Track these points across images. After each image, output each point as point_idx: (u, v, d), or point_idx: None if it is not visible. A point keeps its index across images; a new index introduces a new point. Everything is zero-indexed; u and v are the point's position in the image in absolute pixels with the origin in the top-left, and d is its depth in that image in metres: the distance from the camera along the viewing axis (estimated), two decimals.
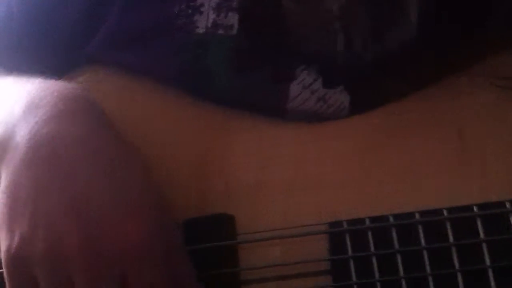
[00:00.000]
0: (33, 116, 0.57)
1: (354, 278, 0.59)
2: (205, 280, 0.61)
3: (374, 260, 0.59)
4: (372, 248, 0.60)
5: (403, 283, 0.58)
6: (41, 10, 0.70)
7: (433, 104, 0.63)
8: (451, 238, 0.59)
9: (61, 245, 0.53)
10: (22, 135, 0.56)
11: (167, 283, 0.55)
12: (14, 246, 0.54)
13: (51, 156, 0.55)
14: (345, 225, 0.61)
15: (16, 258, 0.54)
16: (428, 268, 0.58)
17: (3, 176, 0.57)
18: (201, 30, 0.65)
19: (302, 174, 0.63)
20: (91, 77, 0.68)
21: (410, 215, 0.60)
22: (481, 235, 0.58)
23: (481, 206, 0.59)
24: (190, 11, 0.66)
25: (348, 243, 0.60)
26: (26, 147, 0.56)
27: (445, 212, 0.59)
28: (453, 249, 0.59)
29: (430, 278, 0.58)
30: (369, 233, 0.60)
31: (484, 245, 0.58)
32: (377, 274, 0.59)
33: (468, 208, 0.59)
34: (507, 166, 0.60)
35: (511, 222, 0.58)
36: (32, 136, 0.56)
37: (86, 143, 0.56)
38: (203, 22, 0.65)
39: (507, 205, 0.58)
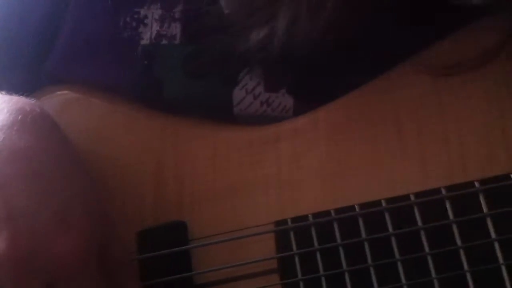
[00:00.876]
0: None
1: (299, 275, 0.60)
2: (161, 287, 0.63)
3: (318, 255, 0.60)
4: (316, 244, 0.61)
5: (346, 275, 0.59)
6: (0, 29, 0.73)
7: (371, 99, 0.64)
8: (390, 228, 0.59)
9: None
10: None
11: None
12: None
13: None
14: (289, 223, 0.62)
15: None
16: (369, 258, 0.59)
17: None
18: (146, 42, 0.68)
19: (252, 176, 0.65)
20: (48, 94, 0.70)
21: (351, 208, 0.61)
22: (419, 223, 0.59)
23: (418, 194, 0.59)
24: (134, 23, 0.68)
25: (293, 240, 0.61)
26: None
27: (383, 203, 0.60)
28: (393, 239, 0.59)
29: (371, 269, 0.59)
30: (313, 229, 0.61)
31: (422, 232, 0.59)
32: (321, 269, 0.60)
33: (406, 197, 0.60)
34: (447, 151, 0.61)
35: (481, 201, 0.58)
36: None
37: (32, 155, 0.58)
38: (147, 34, 0.68)
39: (476, 184, 0.59)
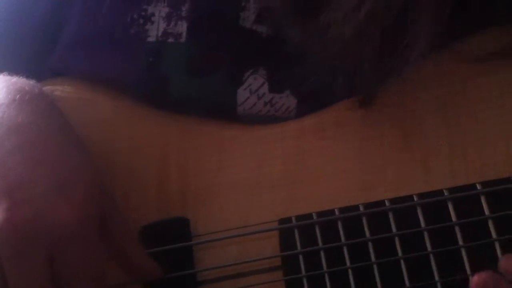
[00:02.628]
0: None
1: (303, 272, 0.61)
2: (163, 283, 0.63)
3: (322, 253, 0.61)
4: (320, 242, 0.62)
5: (350, 273, 0.60)
6: (5, 21, 0.72)
7: (376, 100, 0.65)
8: (393, 228, 0.61)
9: None
10: None
11: (95, 265, 0.57)
12: None
13: None
14: (293, 221, 0.63)
15: None
16: (372, 257, 0.60)
17: None
18: (152, 39, 0.68)
19: (257, 174, 0.65)
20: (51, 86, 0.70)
21: (355, 208, 0.62)
22: (422, 224, 0.60)
23: (422, 195, 0.61)
24: (141, 20, 0.68)
25: (297, 238, 0.62)
26: None
27: (387, 203, 0.61)
28: (396, 239, 0.61)
29: (375, 267, 0.60)
30: (317, 227, 0.62)
31: (426, 233, 0.60)
32: (325, 267, 0.61)
33: (410, 198, 0.61)
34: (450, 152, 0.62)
35: (482, 203, 0.60)
36: None
37: (29, 129, 0.59)
38: (154, 31, 0.68)
39: (478, 187, 0.60)
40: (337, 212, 0.62)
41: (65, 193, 0.57)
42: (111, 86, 0.69)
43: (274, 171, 0.65)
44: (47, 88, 0.69)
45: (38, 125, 0.60)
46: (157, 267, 0.63)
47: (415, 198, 0.61)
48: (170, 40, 0.67)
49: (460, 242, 0.59)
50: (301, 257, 0.62)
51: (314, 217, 0.63)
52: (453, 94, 0.64)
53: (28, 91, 0.62)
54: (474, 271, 0.58)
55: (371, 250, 0.61)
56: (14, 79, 0.64)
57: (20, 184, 0.57)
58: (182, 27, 0.67)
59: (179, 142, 0.67)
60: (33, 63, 0.70)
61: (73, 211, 0.57)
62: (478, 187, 0.60)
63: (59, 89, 0.70)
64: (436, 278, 0.59)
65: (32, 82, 0.64)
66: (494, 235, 0.59)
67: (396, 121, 0.64)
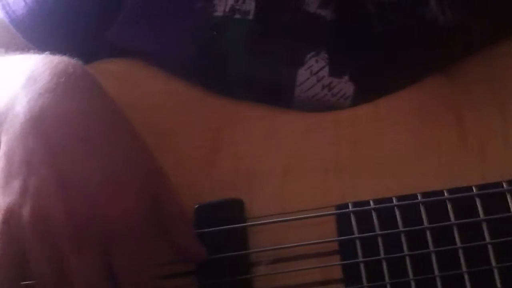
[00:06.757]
0: (32, 89, 0.59)
1: (360, 257, 0.62)
2: (217, 263, 0.63)
3: (379, 240, 0.62)
4: (377, 229, 0.62)
5: (408, 261, 0.61)
6: None
7: (432, 91, 0.66)
8: (452, 217, 0.62)
9: (47, 215, 0.55)
10: (20, 106, 0.59)
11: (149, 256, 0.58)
12: (3, 211, 0.57)
13: (45, 129, 0.57)
14: (350, 207, 0.63)
15: (4, 223, 0.56)
16: (431, 246, 0.61)
17: (3, 143, 0.59)
18: (219, 14, 0.68)
19: (310, 159, 0.66)
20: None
21: (413, 196, 0.63)
22: (481, 214, 0.61)
23: (481, 187, 0.62)
24: None
25: (354, 224, 0.63)
26: (23, 118, 0.58)
27: (445, 193, 0.62)
28: (454, 228, 0.61)
29: (433, 256, 0.61)
30: (374, 214, 0.63)
31: (484, 224, 0.61)
32: (382, 253, 0.62)
33: (468, 188, 0.62)
34: (506, 148, 0.64)
35: (509, 201, 0.61)
36: (29, 107, 0.58)
37: (77, 117, 0.59)
38: (221, 7, 0.68)
39: (505, 185, 0.61)
40: (395, 200, 0.63)
41: (118, 186, 0.57)
42: (165, 65, 0.69)
43: (327, 158, 0.66)
44: (99, 66, 0.69)
45: (86, 113, 0.59)
46: (203, 250, 0.63)
47: (474, 190, 0.62)
48: (237, 16, 0.68)
49: None
50: (358, 243, 0.62)
51: (371, 204, 0.63)
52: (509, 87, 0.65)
53: (72, 73, 0.61)
54: None
55: (429, 238, 0.61)
56: (56, 59, 0.63)
57: (74, 180, 0.56)
58: (251, 5, 0.68)
59: (231, 125, 0.68)
60: (90, 40, 0.70)
61: (127, 204, 0.57)
62: None
63: (110, 69, 0.70)
64: (493, 264, 0.60)
65: (74, 61, 0.63)
66: None
67: (452, 112, 0.65)
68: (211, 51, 0.68)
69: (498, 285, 0.59)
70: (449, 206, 0.62)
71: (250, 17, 0.67)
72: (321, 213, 0.64)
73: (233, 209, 0.65)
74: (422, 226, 0.62)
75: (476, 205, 0.62)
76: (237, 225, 0.64)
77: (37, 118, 0.58)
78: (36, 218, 0.56)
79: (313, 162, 0.66)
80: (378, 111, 0.67)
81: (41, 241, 0.55)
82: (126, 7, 0.69)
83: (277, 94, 0.68)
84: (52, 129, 0.58)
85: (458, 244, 0.61)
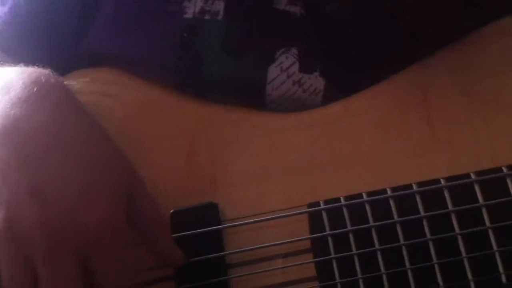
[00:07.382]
0: (6, 98, 0.61)
1: (332, 254, 0.63)
2: (193, 266, 0.64)
3: (351, 236, 0.63)
4: (349, 225, 0.63)
5: (379, 255, 0.62)
6: (41, 4, 0.73)
7: (402, 87, 0.67)
8: (421, 210, 0.62)
9: (20, 225, 0.56)
10: None
11: (128, 259, 0.59)
12: None
13: (19, 140, 0.59)
14: (322, 205, 0.64)
15: None
16: (401, 239, 0.62)
17: None
18: (189, 16, 0.69)
19: (284, 159, 0.67)
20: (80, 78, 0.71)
21: (383, 191, 0.63)
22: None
23: (448, 179, 0.62)
24: None
25: (326, 222, 0.64)
26: None
27: (414, 186, 0.63)
28: (424, 221, 0.62)
29: (404, 249, 0.61)
30: (345, 211, 0.63)
31: (453, 215, 0.61)
32: (354, 249, 0.62)
33: (436, 181, 0.63)
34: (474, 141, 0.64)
35: (509, 185, 0.62)
36: (2, 118, 0.59)
37: (50, 129, 0.60)
38: (191, 8, 0.69)
39: (504, 170, 0.62)
40: (365, 196, 0.64)
41: (93, 194, 0.58)
42: (145, 70, 0.70)
43: (301, 157, 0.67)
44: (75, 75, 0.70)
45: (60, 124, 0.61)
46: (181, 254, 0.64)
47: (442, 182, 0.62)
48: (207, 17, 0.69)
49: (487, 223, 0.61)
50: (330, 240, 0.63)
51: (342, 201, 0.64)
52: (475, 78, 0.65)
53: (44, 83, 0.63)
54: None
55: (399, 232, 0.62)
56: (30, 70, 0.64)
57: (49, 189, 0.57)
58: (220, 5, 0.69)
59: (207, 129, 0.69)
60: (67, 48, 0.71)
61: (103, 211, 0.58)
62: (504, 170, 0.62)
63: (82, 81, 0.71)
64: (463, 254, 0.61)
65: (48, 71, 0.65)
66: None
67: (421, 107, 0.66)
68: (187, 54, 0.69)
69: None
70: (418, 199, 0.62)
71: (220, 17, 0.69)
72: (293, 212, 0.64)
73: (208, 213, 0.66)
74: (392, 220, 0.62)
75: (445, 197, 0.62)
76: (211, 228, 0.65)
77: (10, 129, 0.59)
78: (9, 227, 0.57)
79: (288, 162, 0.67)
80: (349, 108, 0.67)
81: (12, 252, 0.57)
82: (102, 15, 0.70)
83: (250, 93, 0.69)
84: (26, 140, 0.59)
85: (428, 236, 0.61)
